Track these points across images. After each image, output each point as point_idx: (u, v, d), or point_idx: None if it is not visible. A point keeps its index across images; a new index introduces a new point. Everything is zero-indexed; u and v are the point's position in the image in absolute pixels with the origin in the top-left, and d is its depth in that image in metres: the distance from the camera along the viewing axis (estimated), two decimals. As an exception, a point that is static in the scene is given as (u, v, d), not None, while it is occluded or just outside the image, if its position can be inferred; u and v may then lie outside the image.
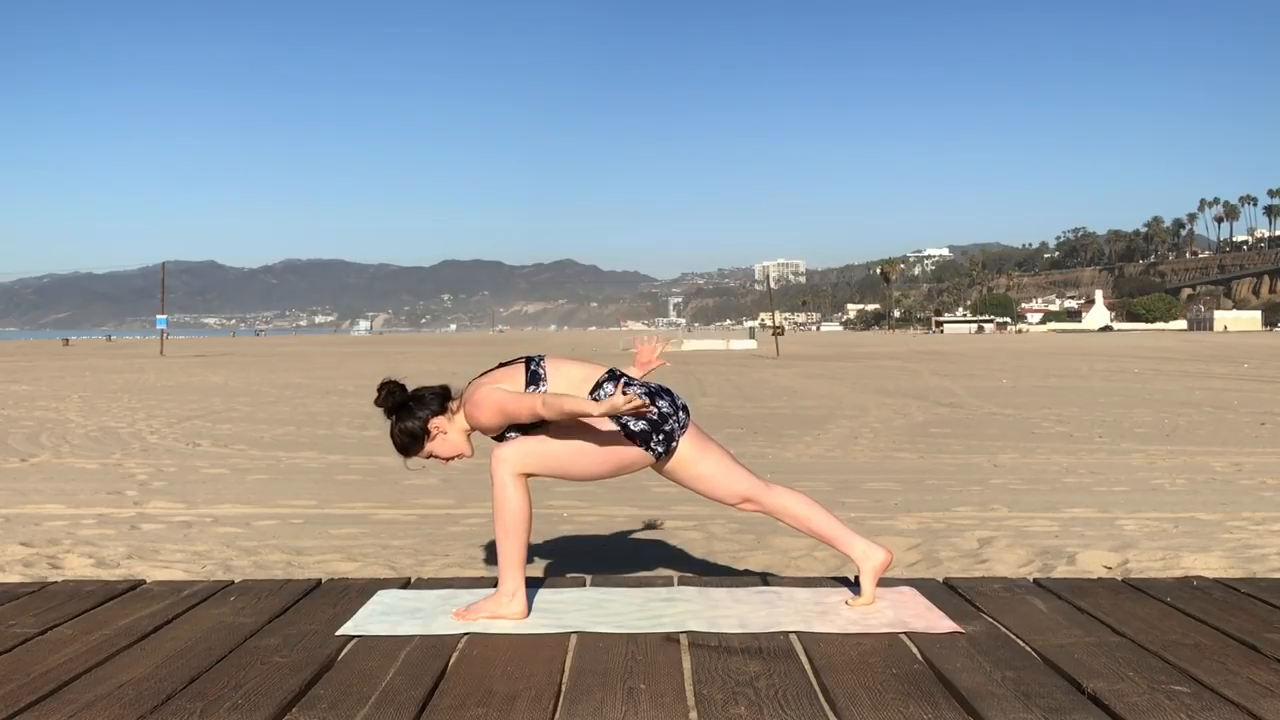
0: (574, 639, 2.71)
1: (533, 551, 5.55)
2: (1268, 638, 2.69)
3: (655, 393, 3.06)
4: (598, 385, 3.04)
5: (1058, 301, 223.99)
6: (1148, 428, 12.61)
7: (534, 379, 3.02)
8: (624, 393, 2.81)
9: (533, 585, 3.39)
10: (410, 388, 3.13)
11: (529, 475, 2.98)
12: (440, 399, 3.09)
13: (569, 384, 3.04)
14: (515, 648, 2.64)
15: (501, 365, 3.13)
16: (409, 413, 3.06)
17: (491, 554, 4.37)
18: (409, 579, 3.48)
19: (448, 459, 3.12)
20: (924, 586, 3.28)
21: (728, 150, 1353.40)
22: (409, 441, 3.08)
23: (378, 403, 3.08)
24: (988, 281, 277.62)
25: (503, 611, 2.89)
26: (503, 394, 2.96)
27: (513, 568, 2.94)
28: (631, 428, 2.98)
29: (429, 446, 3.08)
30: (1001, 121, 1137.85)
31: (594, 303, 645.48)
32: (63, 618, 2.94)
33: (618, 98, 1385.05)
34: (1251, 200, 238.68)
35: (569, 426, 2.96)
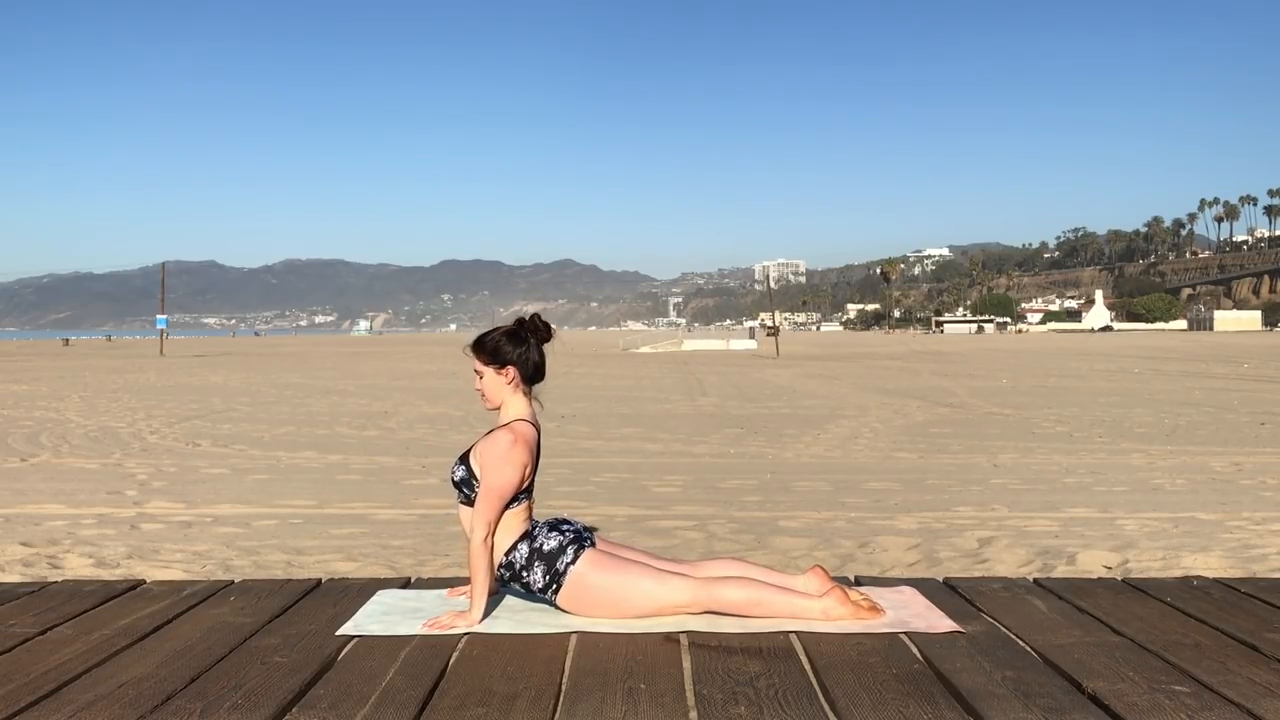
0: (574, 639, 2.71)
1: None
2: (1268, 638, 2.69)
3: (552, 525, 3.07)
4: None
5: (1058, 301, 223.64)
6: (1148, 428, 12.61)
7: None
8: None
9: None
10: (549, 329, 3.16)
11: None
12: (538, 371, 3.12)
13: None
14: (515, 648, 2.64)
15: None
16: (517, 342, 3.10)
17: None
18: (409, 579, 3.47)
19: (481, 393, 3.15)
20: (924, 586, 3.28)
21: (728, 150, 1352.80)
22: (492, 351, 3.09)
23: (530, 319, 3.14)
24: (988, 281, 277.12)
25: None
26: (512, 470, 2.96)
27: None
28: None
29: (490, 373, 3.10)
30: (1002, 121, 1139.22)
31: (594, 303, 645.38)
32: (63, 618, 2.94)
33: (618, 97, 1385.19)
34: (1251, 200, 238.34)
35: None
